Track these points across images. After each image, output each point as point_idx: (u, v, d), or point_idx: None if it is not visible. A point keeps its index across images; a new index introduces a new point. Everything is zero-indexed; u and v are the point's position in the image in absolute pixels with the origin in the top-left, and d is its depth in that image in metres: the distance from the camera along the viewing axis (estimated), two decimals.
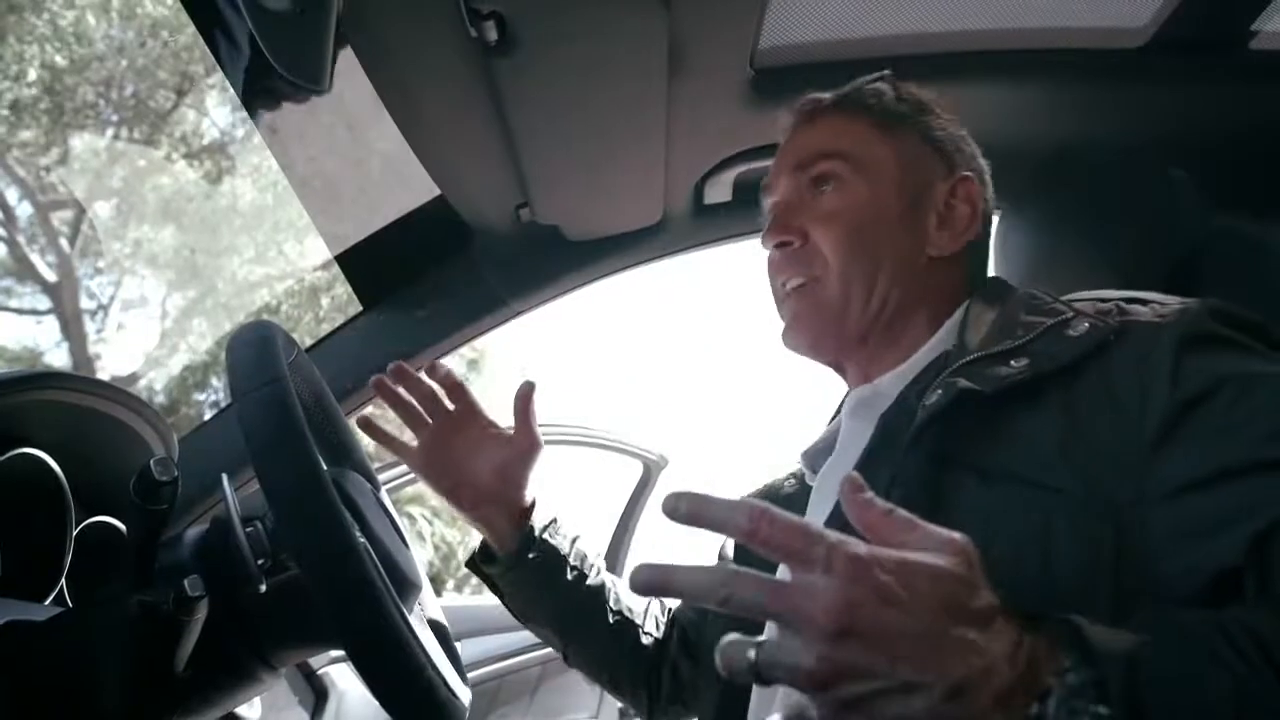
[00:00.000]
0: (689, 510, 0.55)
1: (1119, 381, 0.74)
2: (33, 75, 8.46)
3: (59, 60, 8.50)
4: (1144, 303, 0.82)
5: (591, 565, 1.19)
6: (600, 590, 1.19)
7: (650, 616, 1.21)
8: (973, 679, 0.51)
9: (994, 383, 0.77)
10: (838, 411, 1.08)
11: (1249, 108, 1.36)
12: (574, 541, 1.19)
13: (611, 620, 1.18)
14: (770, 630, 0.58)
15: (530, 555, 1.13)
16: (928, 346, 0.94)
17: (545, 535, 1.15)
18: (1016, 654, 0.53)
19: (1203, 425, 0.69)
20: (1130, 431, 0.71)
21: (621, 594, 1.21)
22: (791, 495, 1.06)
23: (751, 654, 0.52)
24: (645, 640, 1.19)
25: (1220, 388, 0.69)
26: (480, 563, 1.18)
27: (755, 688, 0.87)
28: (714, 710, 0.98)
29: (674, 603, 1.24)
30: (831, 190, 0.98)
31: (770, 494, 1.10)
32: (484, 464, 1.13)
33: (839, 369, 1.03)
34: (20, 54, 8.37)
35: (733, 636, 0.53)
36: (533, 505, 1.16)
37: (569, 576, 1.15)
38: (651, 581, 0.54)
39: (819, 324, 0.97)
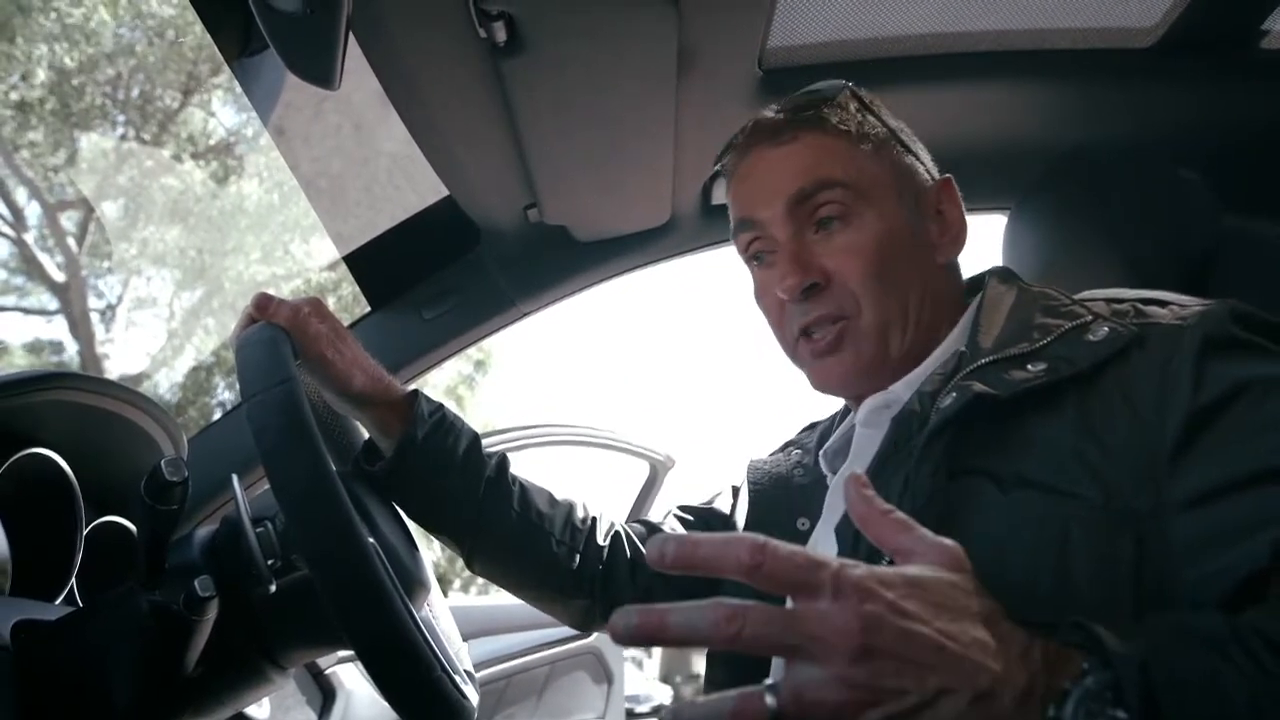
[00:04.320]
0: (676, 554, 0.50)
1: (1138, 386, 0.73)
2: (41, 76, 8.49)
3: (68, 61, 8.53)
4: (1162, 304, 0.81)
5: (491, 457, 1.10)
6: (500, 484, 1.09)
7: (568, 526, 1.12)
8: (996, 682, 0.51)
9: (1010, 387, 0.76)
10: (848, 408, 1.07)
11: (1259, 107, 1.36)
12: (468, 431, 1.09)
13: (514, 520, 1.08)
14: (775, 671, 0.56)
15: (419, 435, 1.03)
16: (942, 347, 0.93)
17: (432, 416, 1.05)
18: (1029, 655, 0.53)
19: (1225, 431, 0.68)
20: (1150, 437, 0.70)
21: (533, 498, 1.11)
22: (805, 487, 1.04)
23: (770, 700, 0.49)
24: (559, 550, 1.11)
25: (1242, 393, 0.69)
26: (364, 463, 1.07)
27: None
28: (728, 656, 0.93)
29: (610, 515, 1.19)
30: (841, 225, 0.92)
31: (780, 482, 1.08)
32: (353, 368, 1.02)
33: (858, 398, 0.98)
34: (28, 54, 8.40)
35: (722, 696, 0.49)
36: (415, 392, 1.07)
37: (461, 462, 1.05)
38: (642, 628, 0.49)
39: (861, 363, 0.92)
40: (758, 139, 0.97)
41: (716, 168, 1.02)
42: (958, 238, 0.98)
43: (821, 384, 0.98)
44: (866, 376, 0.93)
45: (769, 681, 0.50)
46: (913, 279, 0.93)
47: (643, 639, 0.49)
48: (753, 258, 1.00)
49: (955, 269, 0.99)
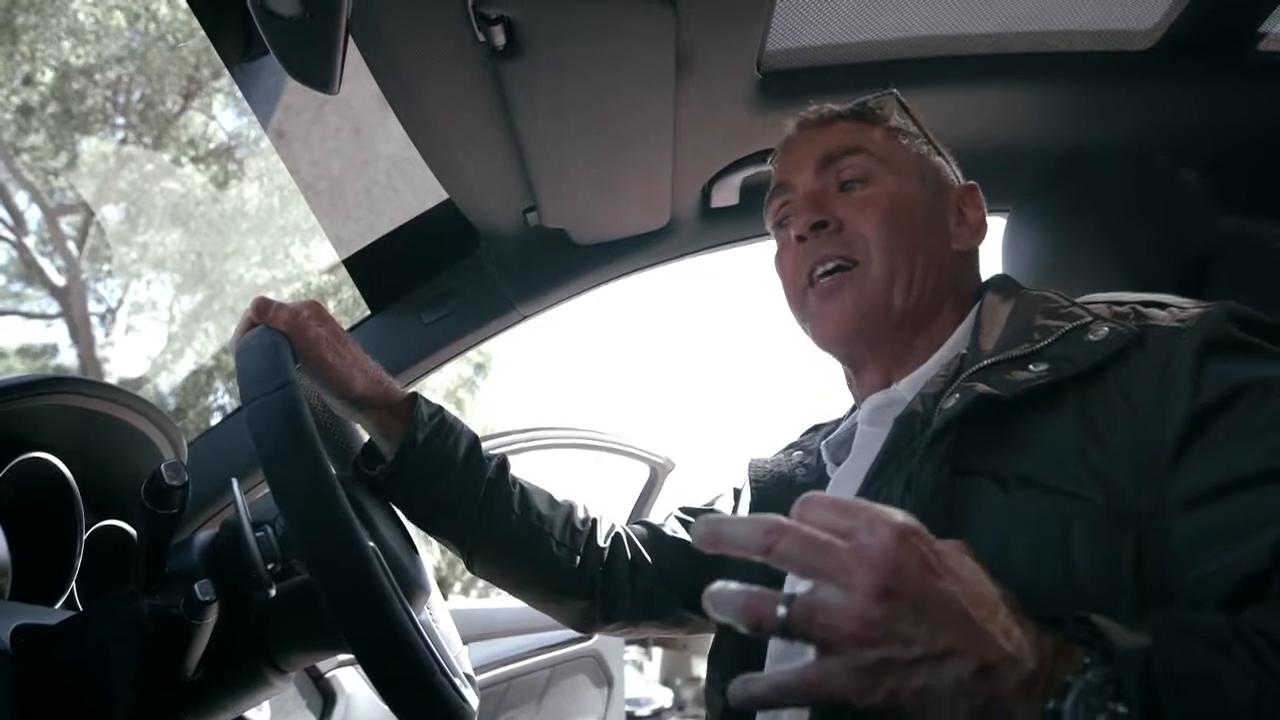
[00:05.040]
0: (715, 532, 0.55)
1: (1138, 387, 0.73)
2: (46, 77, 8.50)
3: (73, 60, 8.53)
4: (1161, 306, 0.81)
5: (491, 459, 1.11)
6: (500, 486, 1.10)
7: (568, 528, 1.14)
8: (1005, 659, 0.52)
9: (1012, 387, 0.76)
10: (854, 408, 1.08)
11: (1257, 109, 1.36)
12: (468, 433, 1.10)
13: (515, 522, 1.10)
14: (792, 585, 0.57)
15: (419, 438, 1.03)
16: (944, 349, 0.94)
17: (432, 419, 1.05)
18: (1040, 643, 0.54)
19: (1225, 432, 0.68)
20: (1150, 438, 0.70)
21: (533, 500, 1.13)
22: (808, 486, 1.05)
23: (782, 610, 0.51)
24: (560, 551, 1.12)
25: (1241, 394, 0.69)
26: (364, 466, 1.07)
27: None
28: (729, 658, 0.95)
29: (610, 516, 1.20)
30: (861, 184, 0.98)
31: (782, 482, 1.09)
32: (354, 370, 1.02)
33: (858, 367, 1.01)
34: (32, 54, 8.41)
35: (744, 587, 0.52)
36: (414, 395, 1.07)
37: (461, 465, 1.06)
38: (707, 534, 0.55)
39: (863, 309, 0.95)
40: (802, 125, 1.06)
41: (721, 168, 1.05)
42: (976, 232, 1.03)
43: (821, 333, 0.99)
44: (867, 328, 0.96)
45: (788, 592, 0.52)
46: (923, 245, 0.96)
47: (708, 543, 0.55)
48: (779, 224, 1.05)
49: (970, 264, 1.02)
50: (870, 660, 0.50)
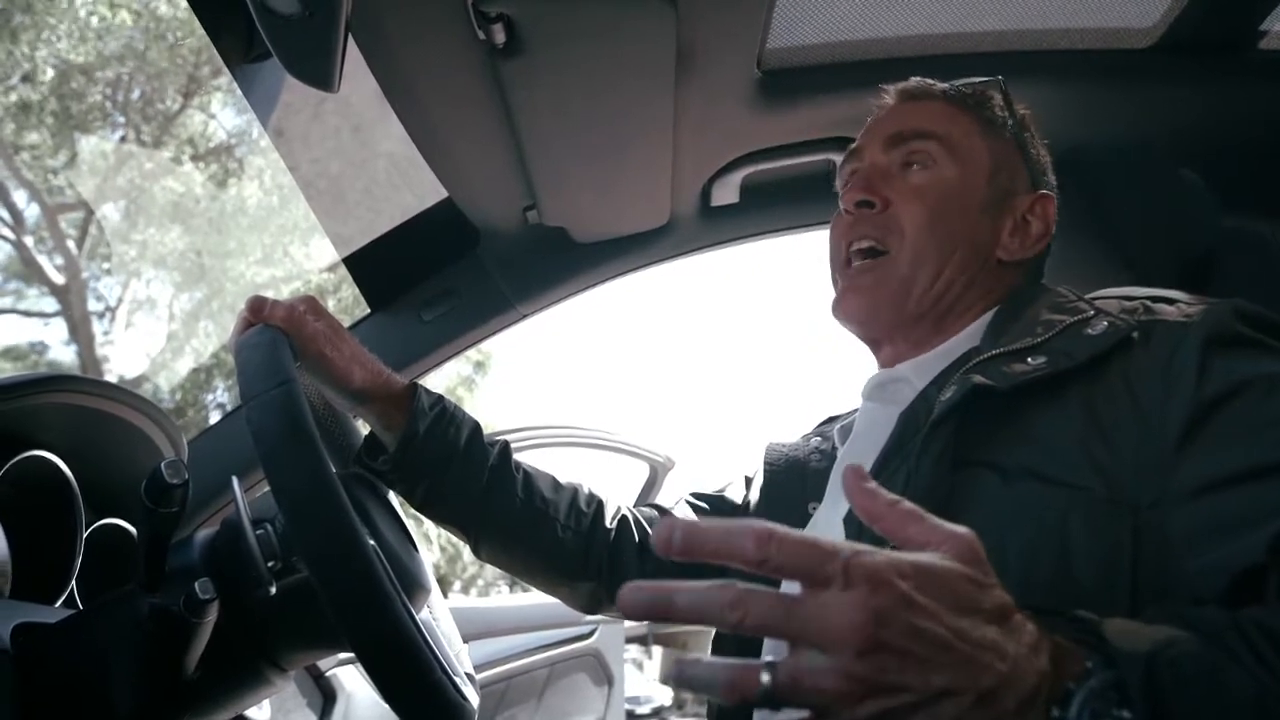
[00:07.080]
0: (683, 544, 0.49)
1: (1142, 380, 0.74)
2: (47, 74, 8.49)
3: (73, 57, 8.52)
4: (1170, 301, 0.81)
5: (494, 445, 1.11)
6: (503, 472, 1.10)
7: (573, 511, 1.14)
8: (1002, 683, 0.50)
9: (1009, 379, 0.77)
10: None
11: (1258, 107, 1.35)
12: (469, 421, 1.10)
13: (519, 506, 1.10)
14: (773, 649, 0.56)
15: (421, 429, 1.03)
16: (952, 343, 0.94)
17: (433, 408, 1.05)
18: (1037, 653, 0.52)
19: (1227, 426, 0.69)
20: (1153, 431, 0.71)
21: (537, 484, 1.13)
22: (820, 472, 1.05)
23: (766, 678, 0.47)
24: (565, 534, 1.12)
25: (1244, 389, 0.69)
26: (366, 458, 1.07)
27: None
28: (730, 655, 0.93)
29: (617, 499, 1.20)
30: (921, 167, 0.97)
31: (795, 466, 1.09)
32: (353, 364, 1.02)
33: (875, 346, 1.03)
34: (32, 52, 8.41)
35: (722, 660, 0.49)
36: (413, 385, 1.07)
37: (463, 452, 1.07)
38: (650, 605, 0.49)
39: (878, 299, 0.97)
40: (900, 96, 1.05)
41: (721, 166, 1.03)
42: (1027, 246, 0.99)
43: (840, 311, 1.01)
44: (878, 311, 0.97)
45: (769, 659, 0.49)
46: (960, 244, 0.96)
47: (651, 615, 0.49)
48: (844, 188, 1.05)
49: (1018, 273, 1.00)
50: (864, 717, 0.48)
